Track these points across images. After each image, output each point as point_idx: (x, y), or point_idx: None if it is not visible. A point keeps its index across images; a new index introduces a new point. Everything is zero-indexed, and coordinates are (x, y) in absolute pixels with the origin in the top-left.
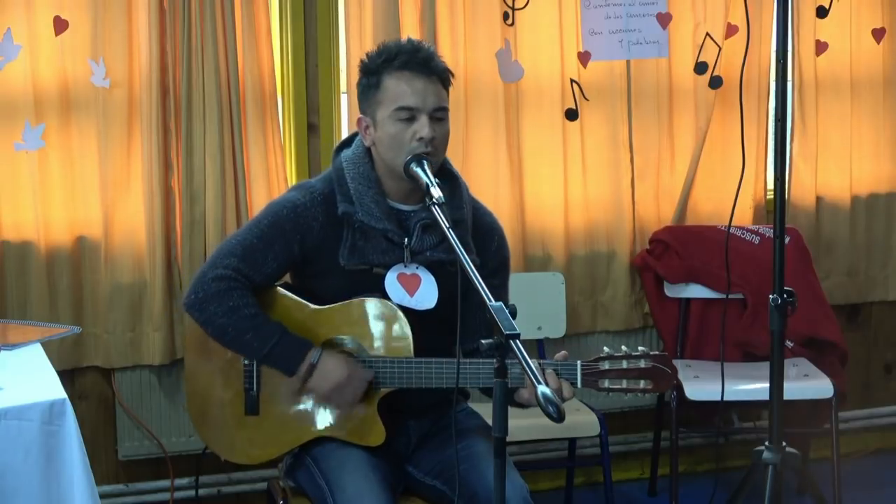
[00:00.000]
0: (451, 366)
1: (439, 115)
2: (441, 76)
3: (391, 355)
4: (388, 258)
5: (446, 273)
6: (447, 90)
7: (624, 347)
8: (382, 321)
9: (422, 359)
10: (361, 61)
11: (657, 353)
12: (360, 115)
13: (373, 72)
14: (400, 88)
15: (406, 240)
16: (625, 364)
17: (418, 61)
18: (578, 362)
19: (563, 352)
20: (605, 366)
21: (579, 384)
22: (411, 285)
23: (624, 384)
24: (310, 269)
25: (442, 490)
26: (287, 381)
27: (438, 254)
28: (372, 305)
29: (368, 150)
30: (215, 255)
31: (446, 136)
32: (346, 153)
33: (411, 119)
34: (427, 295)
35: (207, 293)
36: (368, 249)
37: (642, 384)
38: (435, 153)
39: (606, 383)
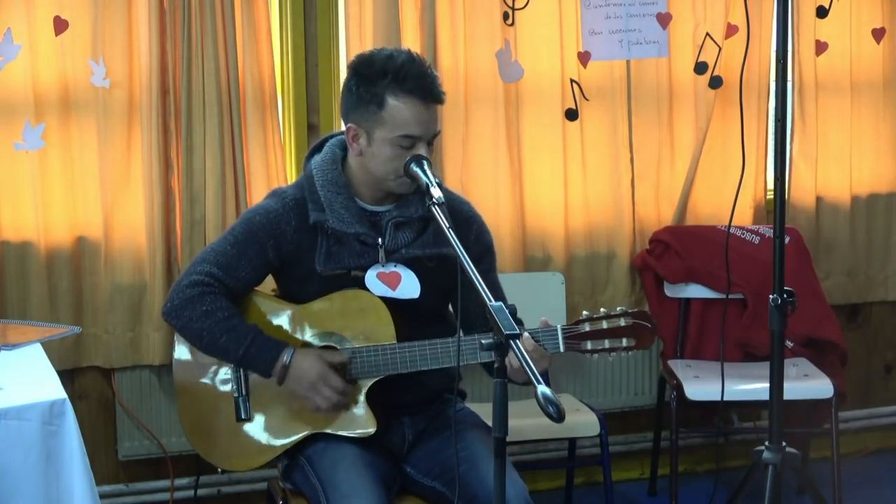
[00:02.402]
0: (434, 347)
1: (432, 140)
2: (441, 101)
3: (374, 343)
4: (363, 260)
5: (425, 269)
6: None
7: (602, 309)
8: (362, 311)
9: (405, 343)
10: (356, 67)
11: (636, 310)
12: (352, 125)
13: (373, 84)
14: (406, 115)
15: (380, 240)
16: (605, 324)
17: (425, 88)
18: (559, 326)
19: (544, 318)
20: (586, 328)
21: (562, 348)
22: (392, 282)
23: (606, 344)
24: (289, 274)
25: (441, 491)
26: (274, 383)
27: (413, 250)
28: (351, 297)
29: (342, 156)
30: (190, 265)
31: (431, 154)
32: (316, 160)
33: (411, 146)
34: (410, 287)
35: (182, 299)
36: (344, 254)
37: (625, 342)
38: None
39: (589, 345)
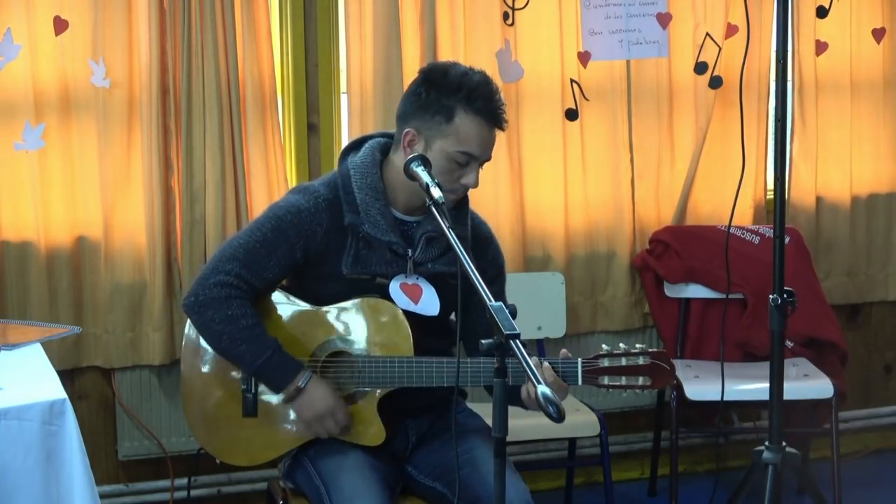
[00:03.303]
0: (450, 365)
1: (483, 164)
2: (503, 129)
3: (390, 355)
4: (390, 269)
5: (447, 285)
6: None
7: (622, 345)
8: (381, 321)
9: (422, 358)
10: (429, 75)
11: (655, 350)
12: (411, 129)
13: (445, 95)
14: (472, 133)
15: (410, 251)
16: (624, 361)
17: (493, 112)
18: (579, 360)
19: (564, 350)
20: (605, 363)
21: (580, 381)
22: (414, 294)
23: (623, 381)
24: (311, 273)
25: (442, 493)
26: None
27: (440, 266)
28: (370, 305)
29: (380, 159)
30: (217, 259)
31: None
32: (354, 160)
33: (465, 164)
34: (431, 303)
35: (207, 297)
36: (372, 259)
37: (641, 381)
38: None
39: (606, 380)
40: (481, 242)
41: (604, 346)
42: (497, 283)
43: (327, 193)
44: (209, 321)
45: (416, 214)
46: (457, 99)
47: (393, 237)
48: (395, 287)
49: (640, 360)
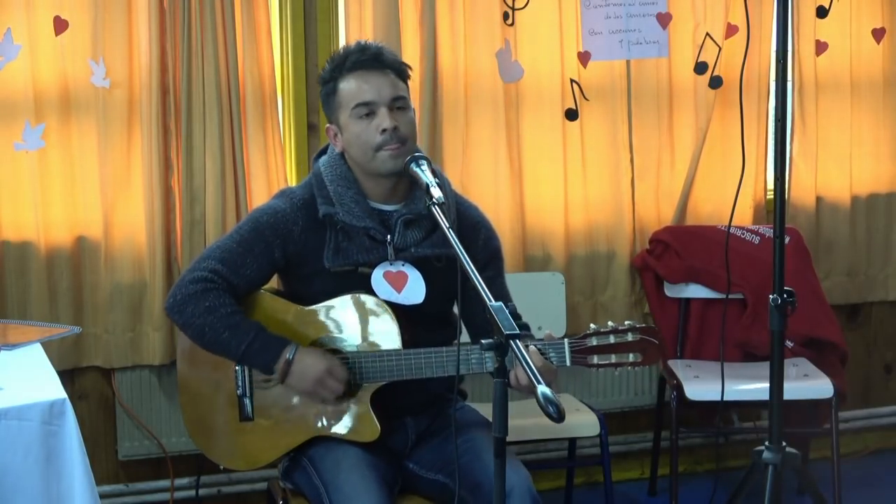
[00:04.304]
0: (440, 355)
1: (399, 105)
2: (394, 67)
3: (379, 349)
4: (372, 256)
5: (433, 268)
6: (405, 82)
7: (610, 322)
8: (368, 316)
9: (410, 350)
10: (319, 75)
11: (644, 325)
12: (328, 126)
13: (328, 80)
14: (353, 87)
15: (389, 237)
16: (612, 339)
17: (367, 58)
18: (566, 340)
19: (549, 331)
20: (593, 342)
21: (568, 362)
22: (398, 282)
23: (613, 359)
24: (295, 274)
25: (444, 483)
26: (279, 384)
27: (423, 249)
28: (357, 302)
29: (343, 154)
30: (195, 261)
31: (411, 124)
32: (324, 158)
33: (371, 114)
34: (415, 291)
35: (185, 295)
36: (352, 249)
37: (631, 357)
38: (403, 143)
39: (595, 359)
40: (470, 227)
41: (592, 324)
42: (492, 268)
43: (303, 194)
44: (190, 318)
45: (391, 202)
46: (334, 75)
47: (369, 222)
48: (377, 276)
49: (629, 337)
